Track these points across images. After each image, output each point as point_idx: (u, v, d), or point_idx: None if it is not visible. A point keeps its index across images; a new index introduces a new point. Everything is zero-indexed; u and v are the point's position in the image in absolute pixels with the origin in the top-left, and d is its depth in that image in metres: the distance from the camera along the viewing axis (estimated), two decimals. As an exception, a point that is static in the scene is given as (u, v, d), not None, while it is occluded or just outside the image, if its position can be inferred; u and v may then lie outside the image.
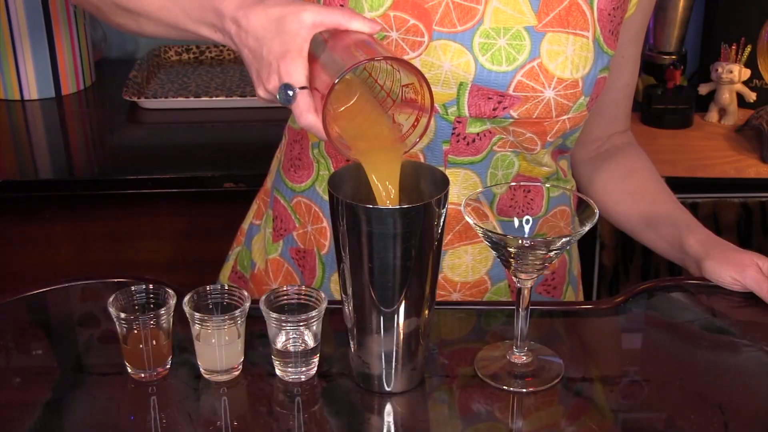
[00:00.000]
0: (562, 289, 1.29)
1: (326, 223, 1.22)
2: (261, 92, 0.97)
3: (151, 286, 1.01)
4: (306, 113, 0.93)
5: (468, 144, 1.14)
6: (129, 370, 1.00)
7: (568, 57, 1.10)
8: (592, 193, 1.30)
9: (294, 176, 1.25)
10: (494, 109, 1.10)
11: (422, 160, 1.14)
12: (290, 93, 0.93)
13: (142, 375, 1.00)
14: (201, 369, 1.01)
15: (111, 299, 0.99)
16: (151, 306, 1.01)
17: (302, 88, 0.93)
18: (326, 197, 1.20)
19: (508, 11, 1.10)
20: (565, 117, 1.12)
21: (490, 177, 1.16)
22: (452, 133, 1.13)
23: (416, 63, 1.08)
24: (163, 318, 0.99)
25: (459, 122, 1.12)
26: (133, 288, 1.01)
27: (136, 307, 1.01)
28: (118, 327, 0.99)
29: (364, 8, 1.09)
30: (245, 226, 1.37)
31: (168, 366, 1.01)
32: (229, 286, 1.02)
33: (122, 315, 0.98)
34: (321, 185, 1.21)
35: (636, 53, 1.27)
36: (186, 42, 2.27)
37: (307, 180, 1.23)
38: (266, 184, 1.34)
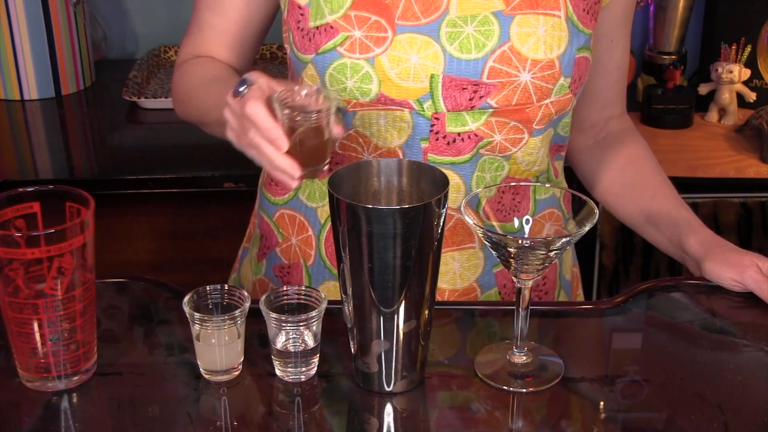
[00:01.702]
0: (553, 295, 1.28)
1: (312, 232, 1.21)
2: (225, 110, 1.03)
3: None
4: (253, 99, 0.98)
5: (448, 144, 1.13)
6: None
7: (540, 37, 1.09)
8: (593, 185, 1.29)
9: (275, 190, 1.24)
10: (470, 99, 1.10)
11: (401, 157, 1.14)
12: (242, 87, 0.99)
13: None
14: (201, 369, 1.01)
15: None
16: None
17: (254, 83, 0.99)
18: (311, 204, 1.20)
19: None
20: (547, 101, 1.11)
21: (477, 180, 1.16)
22: (431, 131, 1.13)
23: (383, 58, 1.09)
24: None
25: (437, 119, 1.12)
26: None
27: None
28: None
29: (325, 12, 1.09)
30: (240, 251, 1.37)
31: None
32: (229, 286, 1.02)
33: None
34: (304, 193, 1.21)
35: (625, 35, 1.26)
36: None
37: (289, 191, 1.22)
38: (255, 207, 1.34)
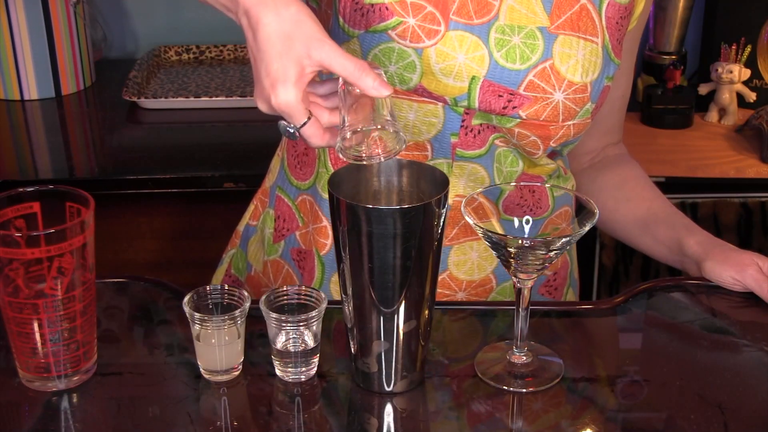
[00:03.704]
0: (563, 291, 1.29)
1: (326, 222, 1.21)
2: (257, 104, 0.97)
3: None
4: (316, 141, 0.95)
5: (474, 136, 1.14)
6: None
7: (579, 61, 1.10)
8: None
9: (299, 173, 1.24)
10: (504, 108, 1.10)
11: (429, 151, 1.14)
12: (291, 131, 0.94)
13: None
14: (201, 369, 1.01)
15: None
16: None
17: (303, 123, 0.94)
18: (325, 195, 1.20)
19: (522, 10, 1.10)
20: (570, 122, 1.12)
21: (496, 172, 1.17)
22: (461, 126, 1.13)
23: (431, 51, 1.08)
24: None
25: (467, 114, 1.12)
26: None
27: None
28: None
29: None
30: (240, 228, 1.37)
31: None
32: (228, 286, 1.02)
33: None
34: (320, 183, 1.21)
35: (631, 63, 1.29)
36: (186, 42, 2.27)
37: (311, 177, 1.22)
38: (265, 184, 1.33)
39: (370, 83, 0.92)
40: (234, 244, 1.37)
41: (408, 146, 1.14)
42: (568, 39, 1.11)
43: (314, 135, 0.94)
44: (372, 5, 1.08)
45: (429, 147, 1.14)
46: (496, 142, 1.15)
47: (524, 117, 1.11)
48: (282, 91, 0.91)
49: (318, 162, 1.21)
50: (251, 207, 1.35)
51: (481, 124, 1.13)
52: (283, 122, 0.95)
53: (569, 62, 1.10)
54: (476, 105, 1.11)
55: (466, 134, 1.13)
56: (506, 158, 1.17)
